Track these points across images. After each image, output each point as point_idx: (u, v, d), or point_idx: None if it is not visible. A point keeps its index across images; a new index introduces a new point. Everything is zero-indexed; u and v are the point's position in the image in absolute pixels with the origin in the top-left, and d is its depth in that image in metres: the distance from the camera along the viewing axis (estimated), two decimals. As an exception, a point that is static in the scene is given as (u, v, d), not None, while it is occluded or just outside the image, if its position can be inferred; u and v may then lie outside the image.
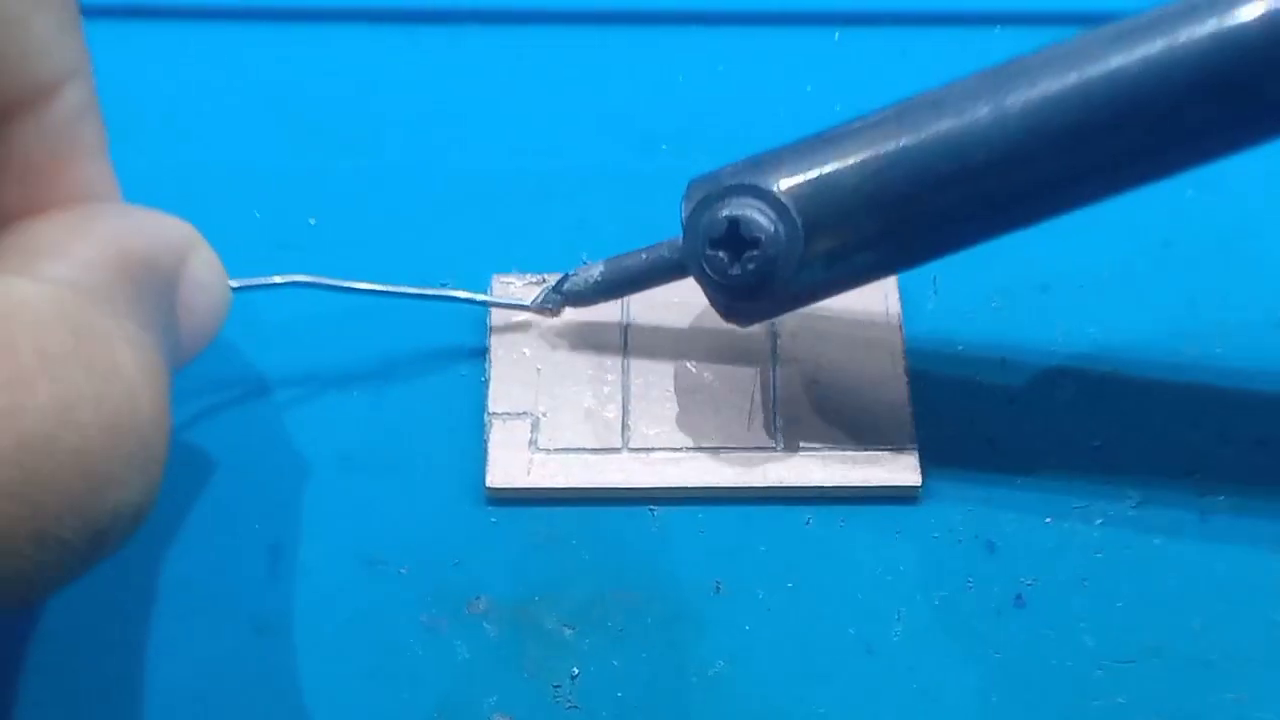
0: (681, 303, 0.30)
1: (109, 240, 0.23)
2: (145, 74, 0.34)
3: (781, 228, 0.25)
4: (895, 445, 0.28)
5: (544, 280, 0.30)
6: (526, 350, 0.30)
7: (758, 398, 0.29)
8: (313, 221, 0.32)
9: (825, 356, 0.29)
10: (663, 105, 0.34)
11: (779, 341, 0.30)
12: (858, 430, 0.28)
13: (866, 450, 0.28)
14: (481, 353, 0.30)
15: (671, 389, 0.29)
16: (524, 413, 0.29)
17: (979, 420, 0.29)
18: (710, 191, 0.26)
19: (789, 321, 0.30)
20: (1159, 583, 0.27)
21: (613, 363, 0.29)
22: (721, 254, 0.26)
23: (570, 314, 0.30)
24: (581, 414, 0.29)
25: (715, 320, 0.29)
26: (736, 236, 0.25)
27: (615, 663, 0.26)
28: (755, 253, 0.25)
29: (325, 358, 0.30)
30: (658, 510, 0.28)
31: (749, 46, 0.35)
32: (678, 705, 0.26)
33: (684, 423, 0.29)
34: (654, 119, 0.34)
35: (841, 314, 0.30)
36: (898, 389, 0.29)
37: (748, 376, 0.29)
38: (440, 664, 0.26)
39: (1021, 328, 0.30)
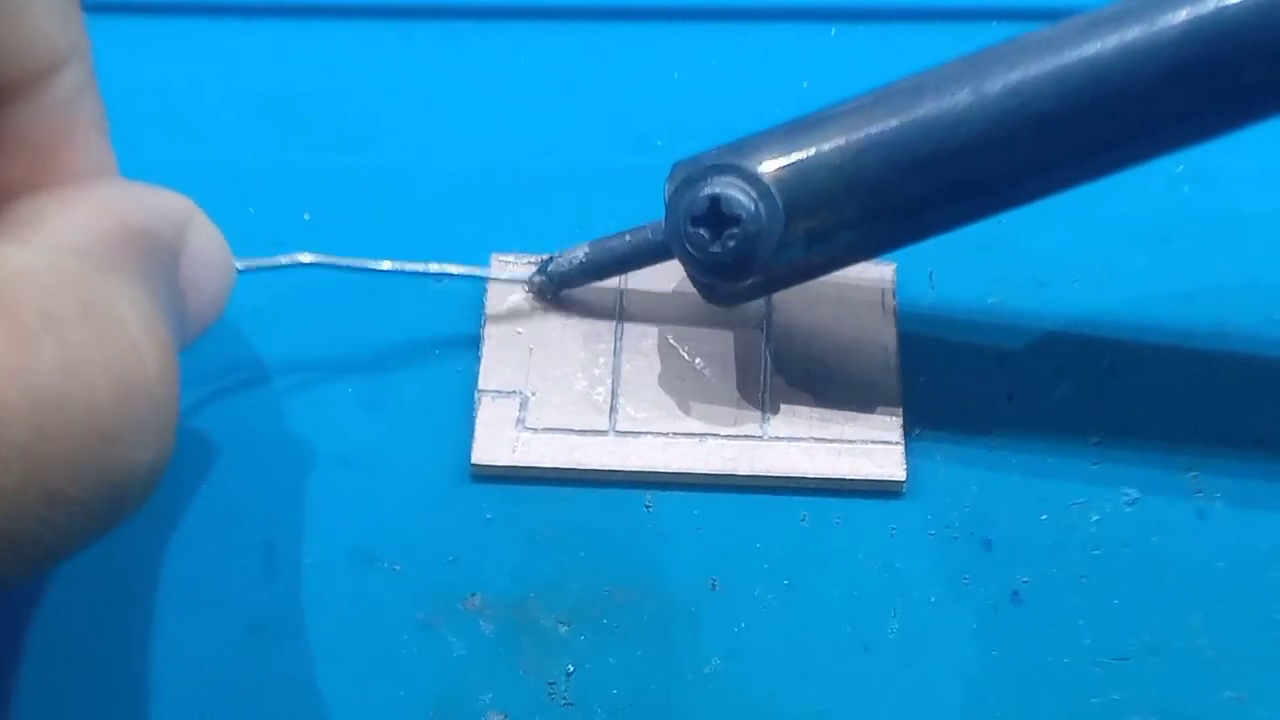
0: (676, 290, 0.30)
1: (108, 211, 0.23)
2: (139, 69, 0.34)
3: (762, 207, 0.25)
4: (884, 439, 0.28)
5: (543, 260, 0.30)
6: (520, 330, 0.30)
7: (747, 386, 0.29)
8: (307, 217, 0.32)
9: (817, 347, 0.29)
10: (658, 101, 0.34)
11: (772, 331, 0.30)
12: (846, 423, 0.28)
13: (854, 443, 0.28)
14: (477, 337, 0.30)
15: (662, 374, 0.29)
16: (513, 391, 0.29)
17: (976, 416, 0.29)
18: (693, 171, 0.26)
19: (783, 311, 0.30)
20: (1157, 580, 0.27)
21: (605, 346, 0.29)
22: (703, 231, 0.26)
23: (566, 296, 0.30)
24: (571, 395, 0.29)
25: (710, 308, 0.29)
26: (718, 214, 0.26)
27: (611, 660, 0.26)
28: (736, 230, 0.25)
29: (319, 346, 0.30)
30: (653, 506, 0.28)
31: (745, 42, 0.35)
32: (673, 703, 0.26)
33: (672, 408, 0.29)
34: (649, 114, 0.34)
35: (837, 306, 0.30)
36: (889, 383, 0.29)
37: (739, 365, 0.29)
38: (436, 661, 0.26)
39: (1019, 324, 0.30)
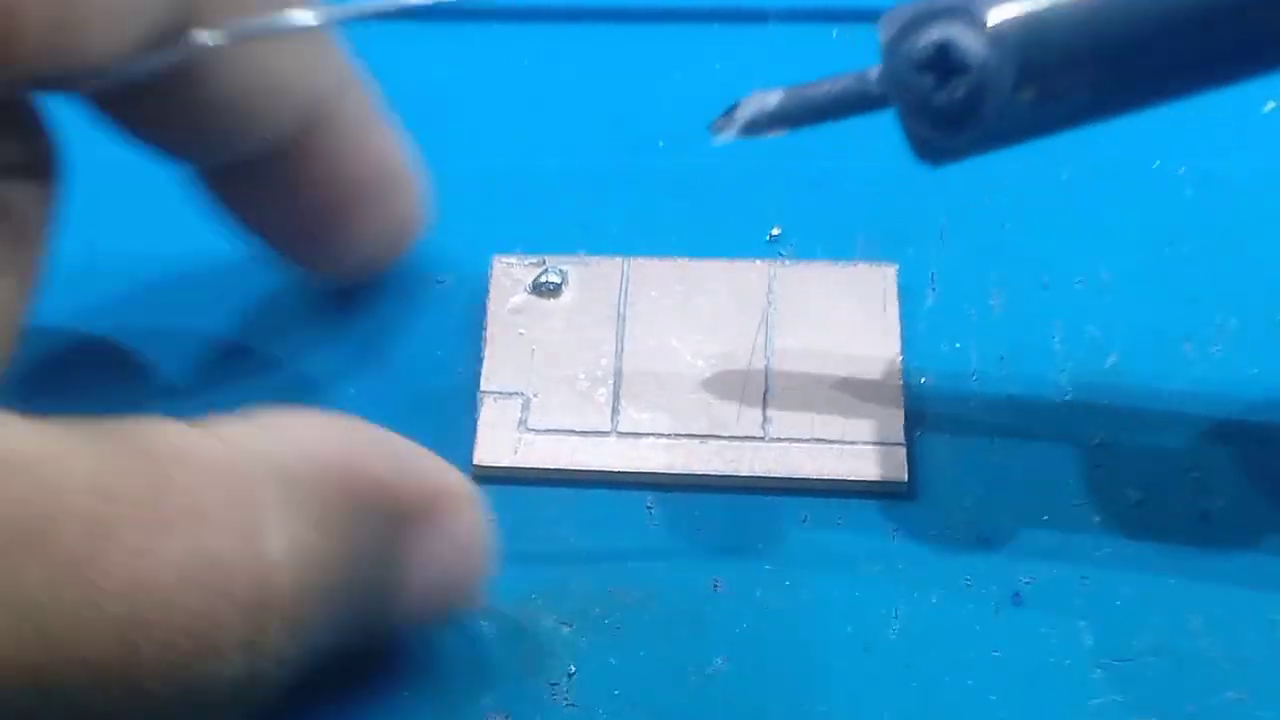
0: (679, 290, 0.30)
1: (346, 447, 0.22)
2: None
3: (993, 56, 0.23)
4: (885, 440, 0.28)
5: (544, 262, 0.30)
6: (522, 331, 0.30)
7: (749, 387, 0.29)
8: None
9: (819, 349, 0.29)
10: (660, 102, 0.34)
11: (773, 333, 0.30)
12: (848, 424, 0.28)
13: (855, 444, 0.28)
14: (479, 338, 0.30)
15: (663, 375, 0.29)
16: (515, 392, 0.29)
17: (977, 418, 0.29)
18: (918, 14, 0.24)
19: (784, 312, 0.30)
20: (1158, 581, 0.27)
21: (607, 347, 0.30)
22: (928, 78, 0.24)
23: (568, 297, 0.30)
24: (573, 396, 0.29)
25: (711, 310, 0.29)
26: (944, 63, 0.24)
27: (613, 661, 0.26)
28: (964, 80, 0.23)
29: (321, 346, 0.30)
30: (655, 507, 0.28)
31: (747, 43, 0.35)
32: (675, 703, 0.26)
33: (674, 409, 0.29)
34: (651, 116, 0.34)
35: (838, 307, 0.30)
36: (891, 385, 0.29)
37: (740, 366, 0.29)
38: (438, 662, 0.26)
39: (1021, 325, 0.30)
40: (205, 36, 0.23)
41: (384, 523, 0.23)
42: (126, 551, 0.19)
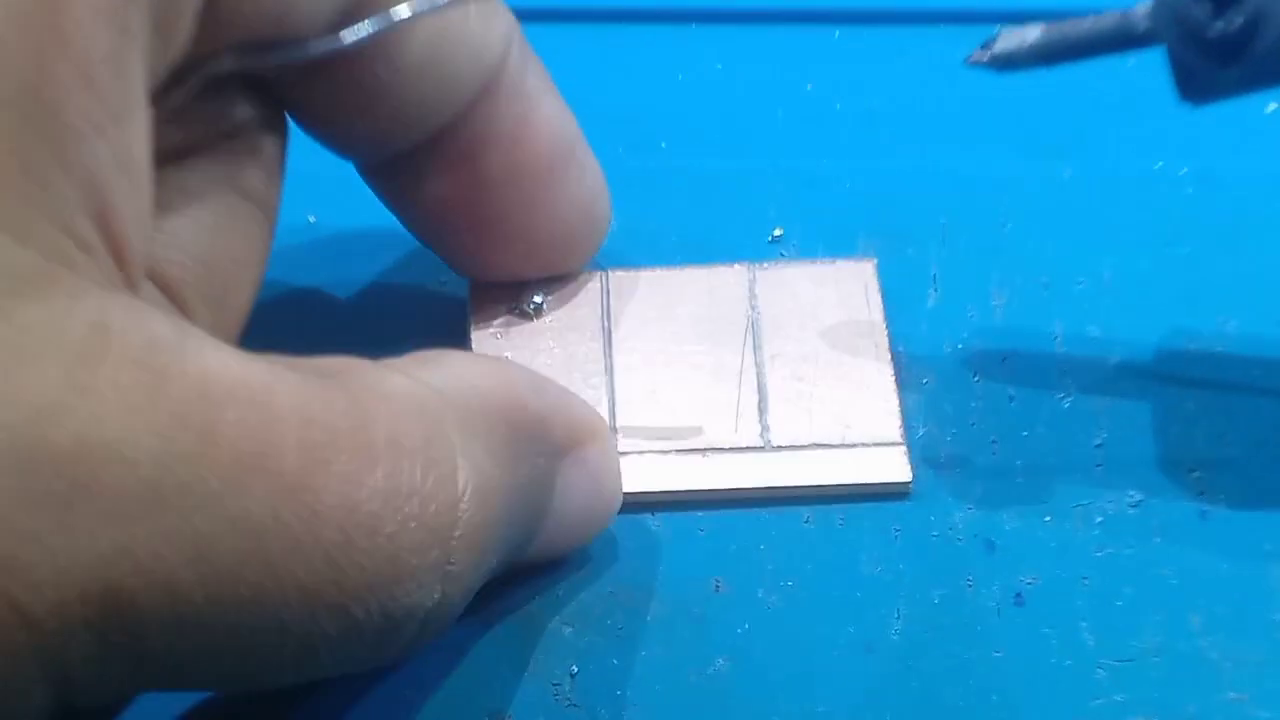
0: (660, 301, 0.30)
1: (507, 386, 0.23)
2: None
3: None
4: (884, 442, 0.28)
5: (521, 282, 0.30)
6: (509, 354, 0.29)
7: (744, 397, 0.29)
8: (312, 219, 0.32)
9: (808, 352, 0.29)
10: (663, 103, 0.34)
11: (760, 338, 0.29)
12: (845, 428, 0.28)
13: (855, 448, 0.28)
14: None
15: (656, 389, 0.29)
16: None
17: (979, 418, 0.29)
18: None
19: (768, 317, 0.30)
20: (1159, 582, 0.27)
21: (596, 366, 0.29)
22: (1205, 7, 0.24)
23: (553, 317, 0.30)
24: None
25: (700, 322, 0.29)
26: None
27: (615, 661, 0.26)
28: (1242, 7, 0.23)
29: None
30: (657, 510, 0.28)
31: (748, 44, 0.35)
32: (677, 704, 0.26)
33: (670, 425, 0.28)
34: (654, 117, 0.34)
35: (821, 308, 0.30)
36: (884, 385, 0.29)
37: (734, 377, 0.29)
38: (439, 662, 0.26)
39: (1022, 325, 0.30)
40: (403, 9, 0.24)
41: (539, 454, 0.24)
42: (340, 478, 0.19)
